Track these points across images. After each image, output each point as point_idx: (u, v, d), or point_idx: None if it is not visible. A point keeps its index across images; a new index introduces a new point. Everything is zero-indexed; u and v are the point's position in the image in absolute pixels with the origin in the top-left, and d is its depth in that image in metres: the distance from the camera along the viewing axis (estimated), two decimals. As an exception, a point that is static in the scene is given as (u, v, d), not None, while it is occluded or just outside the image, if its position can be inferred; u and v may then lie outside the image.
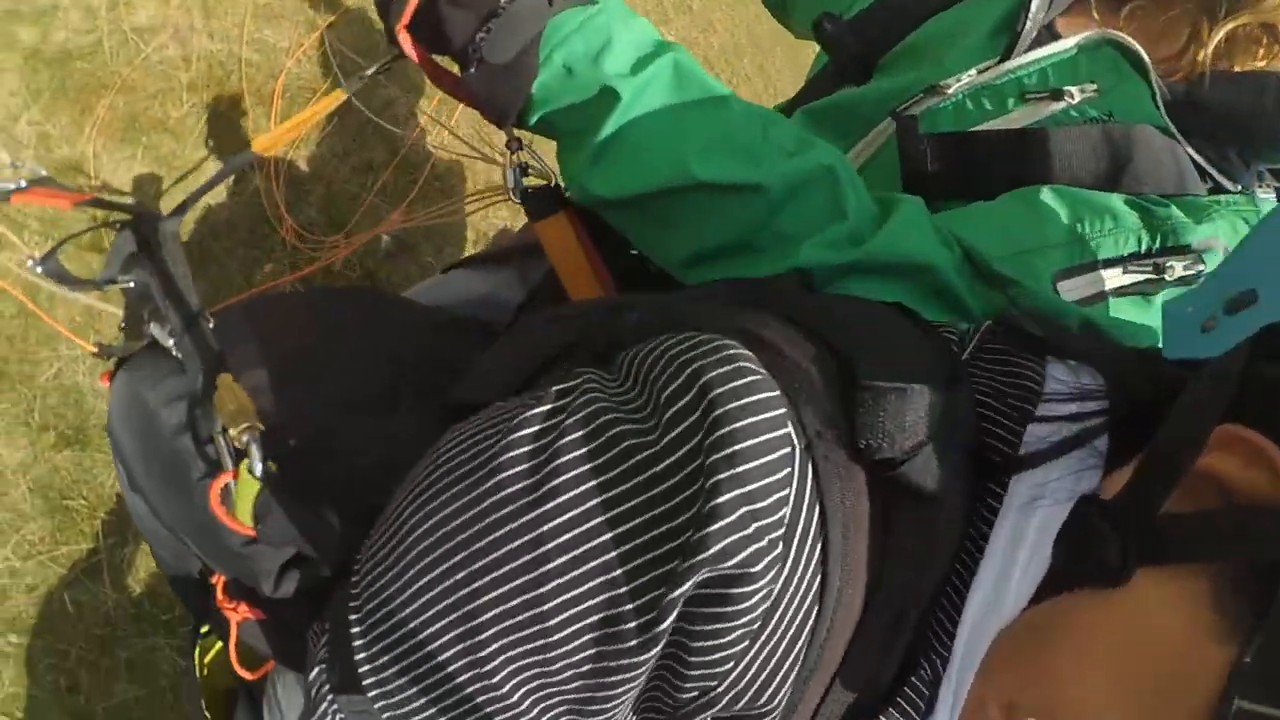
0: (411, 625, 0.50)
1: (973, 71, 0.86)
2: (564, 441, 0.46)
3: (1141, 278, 0.75)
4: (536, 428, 0.48)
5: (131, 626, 1.55)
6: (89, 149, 1.63)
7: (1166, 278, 0.74)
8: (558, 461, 0.45)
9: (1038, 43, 0.85)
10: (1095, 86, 0.81)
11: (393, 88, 2.02)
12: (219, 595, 0.86)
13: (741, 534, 0.41)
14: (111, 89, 1.63)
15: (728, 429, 0.42)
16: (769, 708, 0.46)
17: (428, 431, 0.81)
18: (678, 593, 0.42)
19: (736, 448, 0.42)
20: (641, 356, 0.49)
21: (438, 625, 0.49)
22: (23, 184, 0.81)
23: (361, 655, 0.54)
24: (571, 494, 0.45)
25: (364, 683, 0.54)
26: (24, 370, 1.53)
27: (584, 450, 0.45)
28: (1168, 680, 0.37)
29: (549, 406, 0.49)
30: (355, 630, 0.55)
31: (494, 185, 2.14)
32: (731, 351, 0.45)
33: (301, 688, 0.96)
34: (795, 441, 0.44)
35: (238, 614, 0.85)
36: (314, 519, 0.69)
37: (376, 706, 0.54)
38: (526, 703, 0.48)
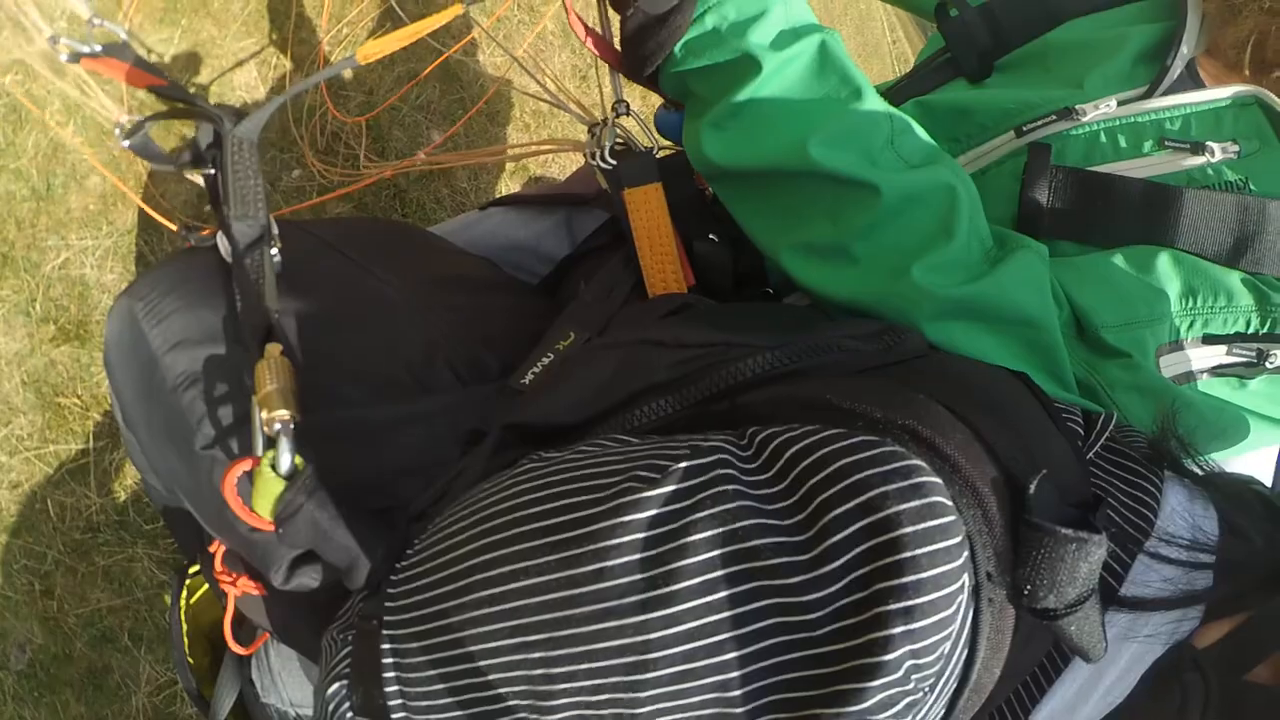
0: (465, 682, 0.47)
1: (1112, 102, 0.79)
2: (693, 540, 0.41)
3: (1241, 360, 0.71)
4: (654, 512, 0.43)
5: (112, 534, 1.50)
6: (125, 26, 1.52)
7: (1267, 365, 0.70)
8: (683, 563, 0.41)
9: (1180, 83, 0.79)
10: (1237, 148, 0.76)
11: (448, -1, 1.90)
12: (216, 565, 0.80)
13: (902, 689, 0.38)
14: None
15: (912, 579, 0.38)
16: None
17: (464, 416, 0.74)
18: None
19: (917, 602, 0.38)
20: (797, 450, 0.43)
21: (500, 690, 0.45)
22: (97, 49, 0.71)
23: (393, 688, 0.51)
24: (695, 603, 0.40)
25: (392, 716, 0.51)
26: (30, 258, 1.44)
27: (716, 555, 0.41)
28: None
29: (673, 488, 0.43)
30: (388, 661, 0.52)
31: (541, 119, 2.07)
32: (920, 481, 0.40)
33: (298, 663, 0.91)
34: (967, 586, 0.40)
35: (236, 588, 0.79)
36: (344, 532, 0.61)
37: None
38: None
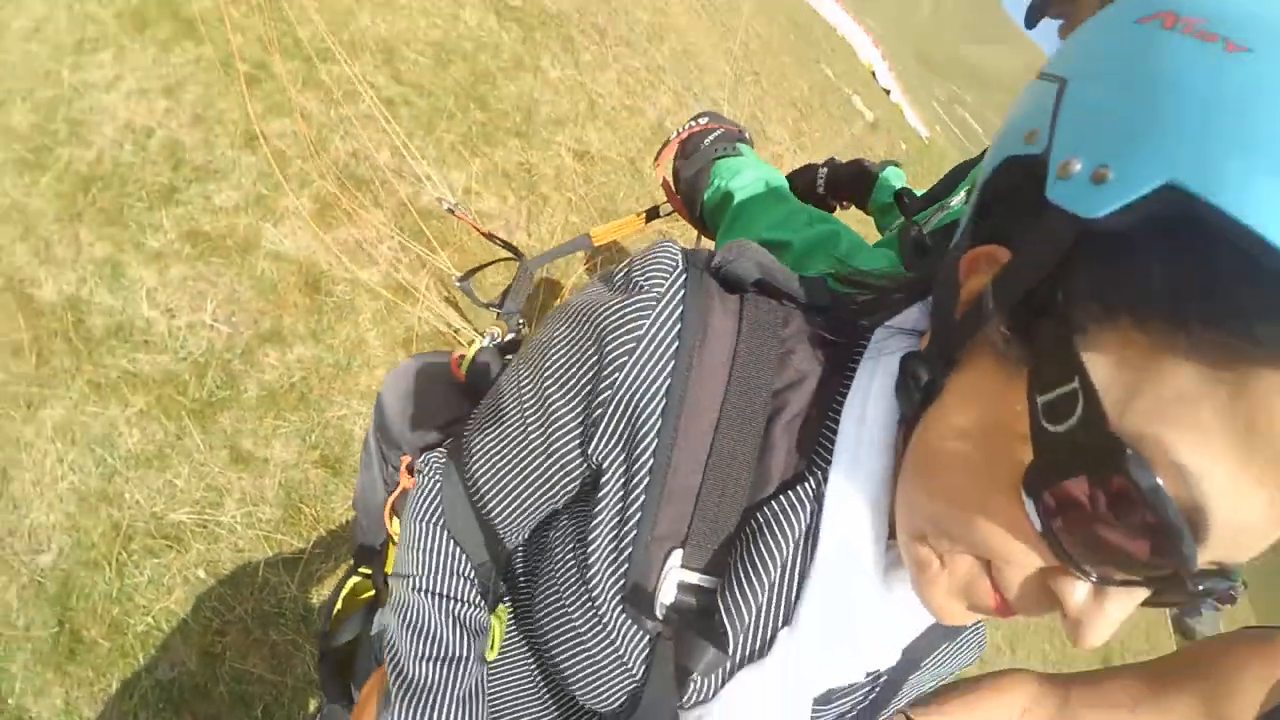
0: (506, 393, 0.78)
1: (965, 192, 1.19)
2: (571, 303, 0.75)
3: None
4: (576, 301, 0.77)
5: (294, 620, 1.80)
6: (425, 281, 2.20)
7: None
8: (564, 313, 0.71)
9: None
10: None
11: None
12: (403, 469, 1.18)
13: (642, 292, 0.65)
14: (453, 245, 2.23)
15: (642, 255, 0.71)
16: (649, 426, 0.63)
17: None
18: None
19: (646, 256, 0.69)
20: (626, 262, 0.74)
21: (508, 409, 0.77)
22: (465, 212, 1.37)
23: (472, 423, 0.82)
24: (565, 328, 0.70)
25: (465, 438, 0.81)
26: (320, 403, 1.99)
27: (574, 311, 0.71)
28: (997, 421, 0.47)
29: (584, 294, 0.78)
30: (475, 413, 0.84)
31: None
32: (666, 242, 0.73)
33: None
34: (680, 264, 0.68)
35: (410, 482, 1.17)
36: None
37: (473, 451, 0.80)
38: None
